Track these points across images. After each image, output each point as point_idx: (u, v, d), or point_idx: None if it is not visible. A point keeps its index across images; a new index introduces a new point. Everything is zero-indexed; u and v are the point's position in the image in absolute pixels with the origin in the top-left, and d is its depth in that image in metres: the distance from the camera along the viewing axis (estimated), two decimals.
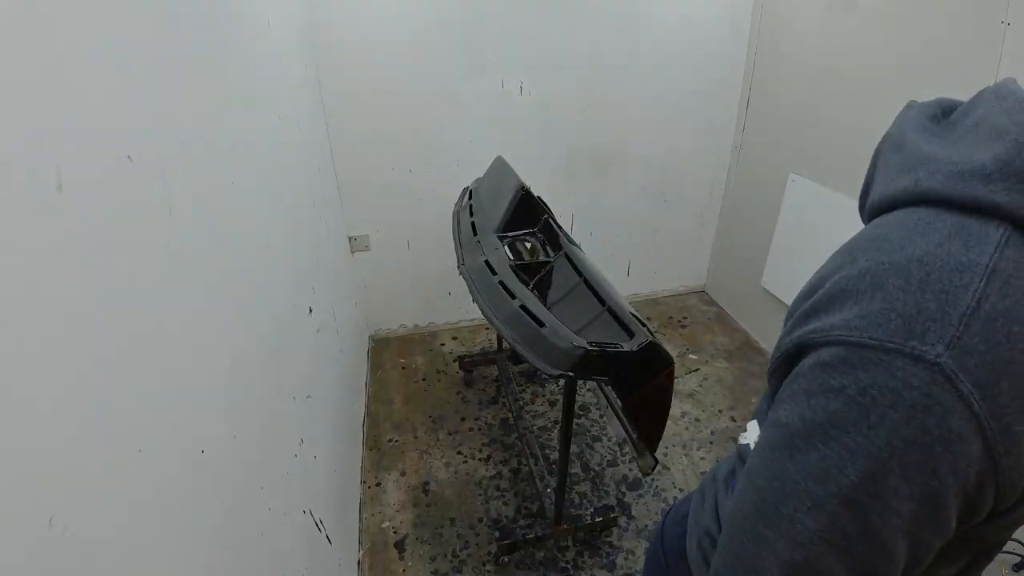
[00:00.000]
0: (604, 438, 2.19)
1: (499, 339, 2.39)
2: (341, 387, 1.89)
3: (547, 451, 2.10)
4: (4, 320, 0.45)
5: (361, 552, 1.74)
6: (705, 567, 0.66)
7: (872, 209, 0.52)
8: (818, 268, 0.53)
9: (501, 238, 1.58)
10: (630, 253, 2.91)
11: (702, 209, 2.89)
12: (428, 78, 2.24)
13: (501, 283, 1.34)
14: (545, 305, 1.28)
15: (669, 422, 1.38)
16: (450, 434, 2.22)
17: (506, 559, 1.72)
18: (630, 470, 2.05)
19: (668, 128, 2.59)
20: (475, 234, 1.61)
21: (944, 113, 0.53)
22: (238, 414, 0.92)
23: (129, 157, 0.65)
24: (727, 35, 2.47)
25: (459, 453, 2.13)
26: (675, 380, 1.32)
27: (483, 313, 1.34)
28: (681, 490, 1.99)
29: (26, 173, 0.49)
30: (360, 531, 1.81)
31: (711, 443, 2.15)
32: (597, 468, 2.07)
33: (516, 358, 2.28)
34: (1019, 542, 1.43)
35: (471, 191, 1.95)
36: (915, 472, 0.39)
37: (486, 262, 1.44)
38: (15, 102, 0.48)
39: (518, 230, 1.68)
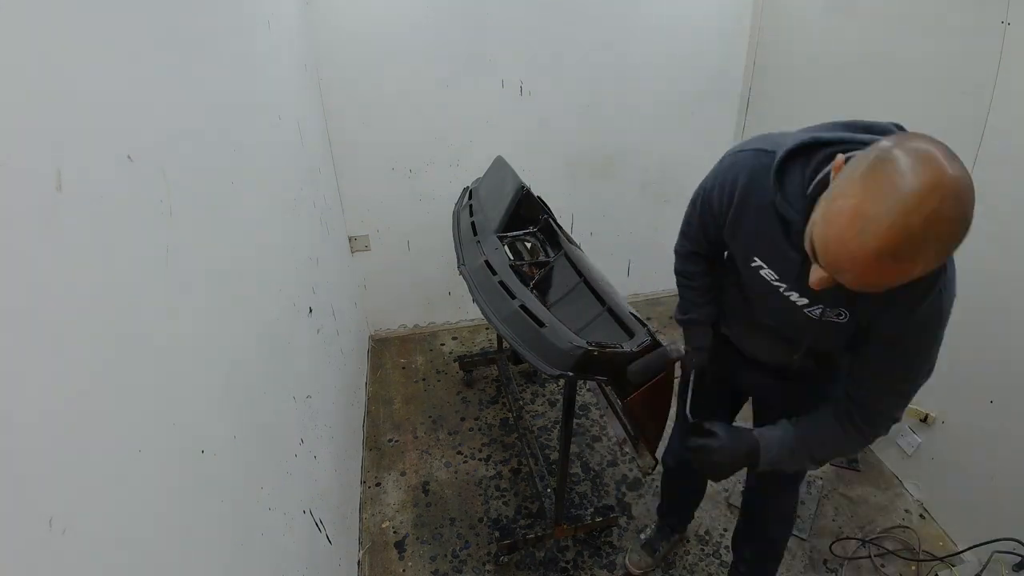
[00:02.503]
0: (604, 438, 2.19)
1: (499, 339, 2.39)
2: (341, 387, 1.89)
3: (547, 451, 2.10)
4: (4, 320, 0.45)
5: (361, 552, 1.74)
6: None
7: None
8: None
9: (501, 238, 1.58)
10: (630, 253, 2.91)
11: None
12: (428, 78, 2.24)
13: (501, 283, 1.34)
14: (545, 305, 1.28)
15: (669, 422, 1.38)
16: (450, 434, 2.22)
17: (506, 559, 1.71)
18: (630, 470, 2.05)
19: (668, 128, 2.59)
20: (475, 234, 1.61)
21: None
22: (238, 414, 0.92)
23: (129, 157, 0.65)
24: (727, 35, 2.47)
25: (459, 453, 2.13)
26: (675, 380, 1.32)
27: (483, 313, 1.34)
28: None
29: (26, 173, 0.49)
30: (360, 531, 1.81)
31: None
32: (597, 468, 2.07)
33: (516, 358, 2.28)
34: (1019, 541, 1.43)
35: (471, 191, 1.95)
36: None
37: (486, 262, 1.44)
38: (15, 102, 0.48)
39: (518, 230, 1.67)
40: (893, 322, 0.84)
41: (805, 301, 0.93)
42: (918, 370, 0.88)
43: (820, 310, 0.91)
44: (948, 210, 0.61)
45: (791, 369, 1.08)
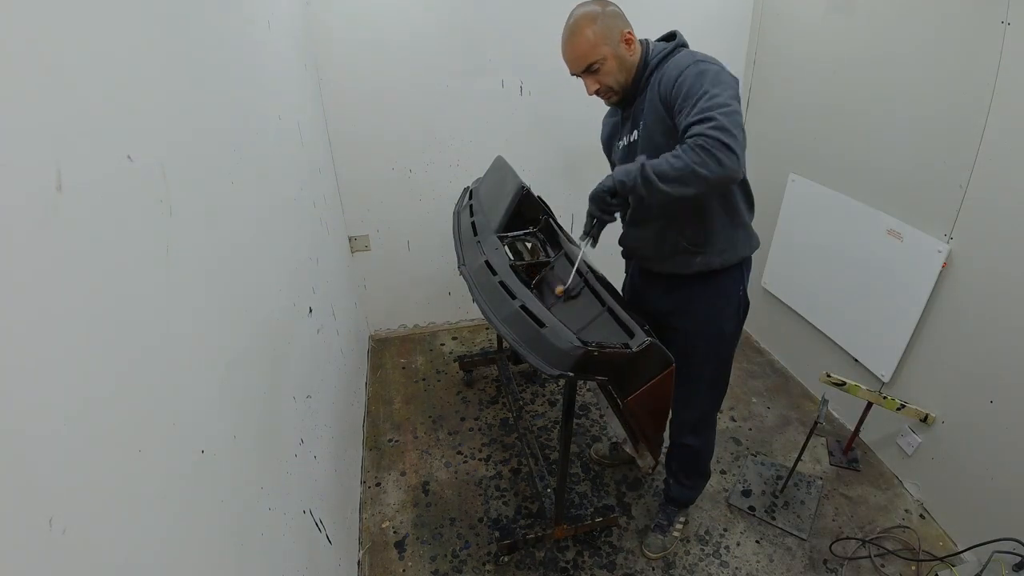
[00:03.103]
0: (604, 438, 2.19)
1: (499, 339, 2.39)
2: (341, 387, 1.89)
3: (547, 451, 2.10)
4: (4, 320, 0.45)
5: (361, 552, 1.74)
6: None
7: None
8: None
9: (501, 238, 1.57)
10: None
11: None
12: (428, 78, 2.24)
13: (501, 283, 1.33)
14: (545, 305, 1.28)
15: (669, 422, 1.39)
16: (450, 434, 2.22)
17: (506, 559, 1.71)
18: (630, 470, 2.06)
19: None
20: (475, 234, 1.61)
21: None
22: (238, 414, 0.92)
23: (129, 157, 0.65)
24: (727, 35, 2.47)
25: (459, 453, 2.13)
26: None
27: (483, 313, 1.34)
28: None
29: (26, 173, 0.49)
30: (360, 531, 1.81)
31: None
32: (597, 468, 2.07)
33: (516, 358, 2.28)
34: (1019, 542, 1.43)
35: (471, 191, 1.95)
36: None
37: (486, 262, 1.43)
38: (15, 102, 0.48)
39: (518, 230, 1.67)
40: (664, 91, 1.23)
41: (624, 140, 1.37)
42: (706, 81, 1.16)
43: (629, 139, 1.34)
44: (575, 18, 1.28)
45: (666, 256, 1.42)
